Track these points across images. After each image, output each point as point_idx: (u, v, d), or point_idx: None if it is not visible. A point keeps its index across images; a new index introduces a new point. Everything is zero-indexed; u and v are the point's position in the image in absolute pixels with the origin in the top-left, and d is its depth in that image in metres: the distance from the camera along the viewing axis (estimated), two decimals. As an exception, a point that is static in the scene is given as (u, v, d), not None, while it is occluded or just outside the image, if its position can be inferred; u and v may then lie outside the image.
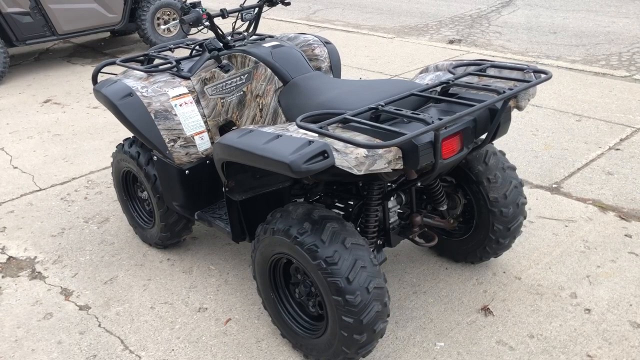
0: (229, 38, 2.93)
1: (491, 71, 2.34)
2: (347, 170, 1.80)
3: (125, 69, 2.93)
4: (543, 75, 2.15)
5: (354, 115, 1.93)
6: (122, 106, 2.59)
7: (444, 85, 2.23)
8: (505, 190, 2.52)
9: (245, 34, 2.98)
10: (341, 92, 2.33)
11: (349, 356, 2.12)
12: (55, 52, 7.81)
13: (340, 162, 1.78)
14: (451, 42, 7.04)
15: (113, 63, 2.94)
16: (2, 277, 2.98)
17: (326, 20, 8.59)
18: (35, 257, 3.14)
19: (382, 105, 2.00)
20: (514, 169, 2.58)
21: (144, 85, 2.66)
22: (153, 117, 2.59)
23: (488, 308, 2.54)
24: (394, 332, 2.44)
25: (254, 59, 2.66)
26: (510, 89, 2.03)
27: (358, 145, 1.69)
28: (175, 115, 2.64)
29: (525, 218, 2.63)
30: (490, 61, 2.44)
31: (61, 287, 2.87)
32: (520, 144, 4.08)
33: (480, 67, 2.35)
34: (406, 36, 7.40)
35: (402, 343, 2.38)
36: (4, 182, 4.06)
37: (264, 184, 2.45)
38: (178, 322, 2.59)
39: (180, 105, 2.69)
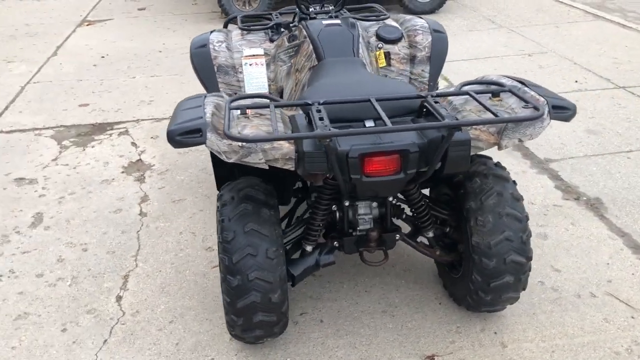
0: (311, 10, 2.97)
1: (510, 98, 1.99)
2: (217, 155, 1.83)
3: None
4: (537, 112, 1.77)
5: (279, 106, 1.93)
6: (194, 55, 2.92)
7: (421, 98, 1.99)
8: (491, 239, 2.13)
9: (332, 7, 2.98)
10: (330, 82, 2.26)
11: (233, 333, 2.18)
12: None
13: (212, 145, 1.82)
14: None
15: (235, 17, 3.25)
16: (122, 172, 3.71)
17: (621, 9, 7.37)
18: (154, 165, 3.79)
19: (319, 103, 1.92)
20: (518, 218, 2.14)
21: (221, 40, 2.93)
22: (215, 69, 2.87)
23: (434, 358, 2.24)
24: (324, 341, 2.35)
25: (304, 34, 2.69)
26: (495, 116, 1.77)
27: (226, 134, 1.69)
28: (240, 72, 2.86)
29: (521, 283, 2.19)
30: (517, 84, 2.06)
31: (144, 194, 3.45)
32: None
33: (491, 90, 2.02)
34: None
35: (312, 348, 2.30)
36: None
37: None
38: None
39: (251, 65, 2.91)
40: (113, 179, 3.62)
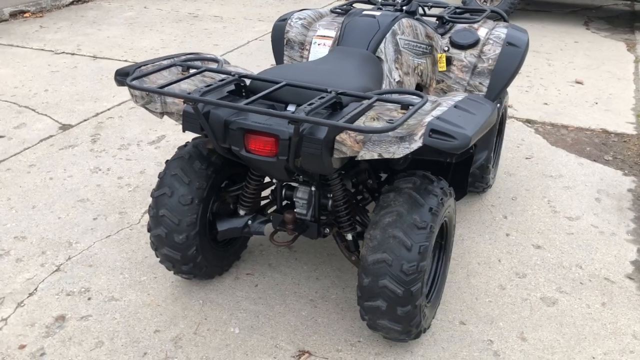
0: (380, 0, 2.96)
1: None
2: (131, 97, 2.16)
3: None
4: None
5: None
6: (274, 27, 3.21)
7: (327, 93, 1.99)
8: (371, 256, 2.01)
9: (398, 0, 2.91)
10: (299, 66, 2.34)
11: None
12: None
13: (130, 88, 2.12)
14: None
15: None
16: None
17: None
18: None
19: (240, 76, 2.09)
20: (406, 246, 1.96)
21: (302, 18, 3.15)
22: (284, 42, 3.13)
23: (307, 355, 2.22)
24: (240, 301, 2.52)
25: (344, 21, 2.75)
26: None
27: (127, 80, 2.00)
28: (306, 49, 3.08)
29: (400, 317, 2.01)
30: None
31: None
32: None
33: (394, 100, 1.91)
34: None
35: (226, 301, 2.48)
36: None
37: None
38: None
39: (319, 44, 3.09)
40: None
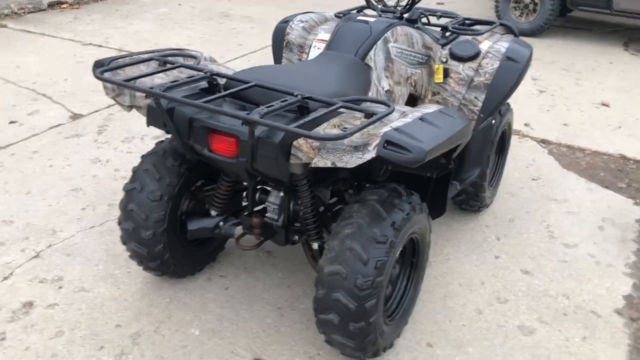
0: (380, 7, 2.88)
1: None
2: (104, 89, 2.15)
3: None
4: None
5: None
6: (275, 28, 3.16)
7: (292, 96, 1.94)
8: (327, 267, 1.94)
9: (398, 7, 2.83)
10: (277, 68, 2.29)
11: None
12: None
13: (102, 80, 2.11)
14: None
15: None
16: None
17: None
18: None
19: (212, 74, 2.06)
20: (362, 260, 1.88)
21: (304, 20, 3.10)
22: (284, 44, 3.09)
23: (259, 363, 2.17)
24: (206, 303, 2.48)
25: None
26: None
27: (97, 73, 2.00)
28: (304, 52, 3.03)
29: (352, 334, 1.94)
30: None
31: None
32: None
33: (357, 108, 1.85)
34: None
35: (194, 301, 2.45)
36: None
37: None
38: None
39: (318, 48, 3.04)
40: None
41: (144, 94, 2.06)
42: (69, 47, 5.79)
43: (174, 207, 2.33)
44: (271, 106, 1.75)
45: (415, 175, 2.42)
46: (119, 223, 2.35)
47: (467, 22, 3.04)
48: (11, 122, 4.10)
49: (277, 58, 3.08)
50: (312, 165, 1.75)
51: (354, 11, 3.09)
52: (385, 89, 2.49)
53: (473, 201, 3.02)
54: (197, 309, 2.42)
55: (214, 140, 1.93)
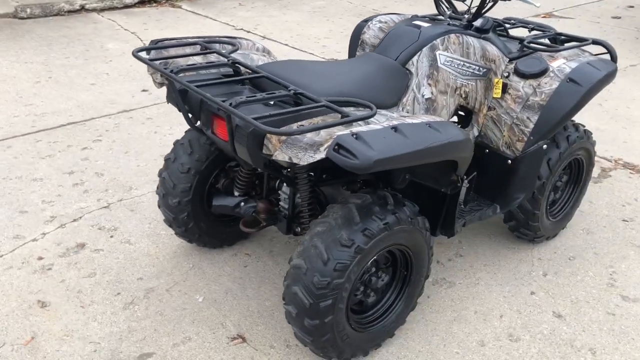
0: (449, 12, 2.77)
1: None
2: None
3: None
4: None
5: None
6: (356, 26, 3.19)
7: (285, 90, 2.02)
8: (294, 261, 1.99)
9: (465, 16, 2.70)
10: (306, 64, 2.35)
11: None
12: None
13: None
14: None
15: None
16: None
17: None
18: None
19: (234, 62, 2.22)
20: (323, 259, 1.90)
21: (384, 21, 3.08)
22: (359, 43, 3.12)
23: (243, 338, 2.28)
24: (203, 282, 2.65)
25: None
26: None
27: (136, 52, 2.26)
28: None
29: (307, 329, 1.97)
30: None
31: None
32: None
33: (337, 109, 1.89)
34: None
35: (188, 271, 2.63)
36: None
37: None
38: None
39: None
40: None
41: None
42: (222, 31, 6.33)
43: (200, 180, 2.52)
44: (253, 97, 1.84)
45: (433, 189, 2.33)
46: (157, 188, 2.60)
47: (561, 37, 2.81)
48: (143, 90, 4.65)
49: (351, 54, 3.12)
50: (272, 158, 1.81)
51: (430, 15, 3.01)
52: (425, 97, 2.42)
53: (524, 229, 2.79)
54: (211, 279, 2.60)
55: (215, 122, 2.07)
